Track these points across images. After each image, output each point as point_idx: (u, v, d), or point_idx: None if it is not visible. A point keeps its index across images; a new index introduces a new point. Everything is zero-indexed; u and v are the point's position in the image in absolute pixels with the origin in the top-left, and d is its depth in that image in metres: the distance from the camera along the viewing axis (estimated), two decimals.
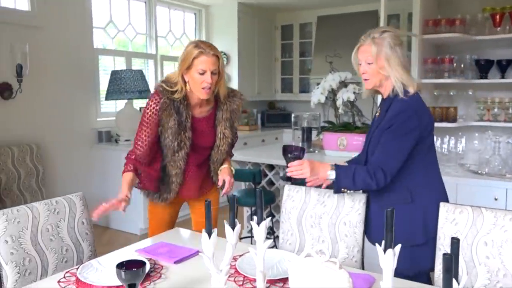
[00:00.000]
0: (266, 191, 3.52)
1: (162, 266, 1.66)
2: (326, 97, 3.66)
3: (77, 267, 1.64)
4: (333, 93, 3.63)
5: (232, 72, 5.90)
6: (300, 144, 3.79)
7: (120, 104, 4.64)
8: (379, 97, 2.04)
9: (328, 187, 1.95)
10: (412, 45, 3.56)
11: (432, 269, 1.77)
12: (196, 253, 1.77)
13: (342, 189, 1.80)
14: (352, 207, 1.93)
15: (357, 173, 1.76)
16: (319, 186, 1.97)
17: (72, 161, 4.28)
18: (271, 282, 1.52)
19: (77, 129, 4.33)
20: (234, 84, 5.87)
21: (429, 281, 1.82)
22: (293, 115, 3.93)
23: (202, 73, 1.94)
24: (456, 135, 3.25)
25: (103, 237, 4.18)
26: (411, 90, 1.79)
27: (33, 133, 3.91)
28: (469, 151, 3.36)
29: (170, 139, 2.03)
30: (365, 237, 1.96)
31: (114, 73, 4.31)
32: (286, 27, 6.55)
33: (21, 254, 1.69)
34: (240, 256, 1.73)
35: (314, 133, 3.84)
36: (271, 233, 3.54)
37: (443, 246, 1.71)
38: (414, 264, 1.77)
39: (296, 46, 6.50)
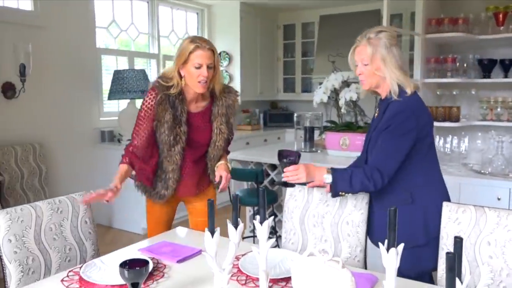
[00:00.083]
0: (269, 190, 3.52)
1: (165, 265, 1.67)
2: (329, 97, 3.66)
3: (80, 266, 1.65)
4: (335, 92, 3.63)
5: (235, 71, 5.90)
6: (302, 144, 3.80)
7: (123, 103, 4.65)
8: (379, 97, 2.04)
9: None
10: (415, 44, 3.55)
11: (435, 269, 1.77)
12: (199, 252, 1.78)
13: (340, 193, 1.77)
14: (355, 207, 1.93)
15: (354, 175, 1.74)
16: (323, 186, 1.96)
17: (75, 161, 4.29)
18: (274, 281, 1.52)
19: (80, 128, 4.34)
20: (237, 84, 5.87)
21: (432, 280, 1.82)
22: (295, 115, 3.93)
23: (199, 67, 1.98)
24: (459, 135, 3.24)
25: (106, 237, 4.19)
26: (408, 91, 1.76)
27: (36, 132, 3.92)
28: (472, 150, 3.35)
29: (167, 133, 2.05)
30: (367, 237, 1.95)
31: (116, 73, 4.32)
32: (288, 27, 6.55)
33: (24, 253, 1.70)
34: (243, 255, 1.73)
35: (316, 132, 3.84)
36: (274, 232, 3.54)
37: (446, 246, 1.70)
38: (416, 265, 1.76)
39: (298, 45, 6.50)
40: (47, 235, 1.79)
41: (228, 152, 2.34)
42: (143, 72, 4.42)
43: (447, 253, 0.93)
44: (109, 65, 4.72)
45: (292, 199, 2.08)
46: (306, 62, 6.52)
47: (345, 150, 3.39)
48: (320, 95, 3.66)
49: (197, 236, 2.06)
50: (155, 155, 2.13)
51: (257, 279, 1.49)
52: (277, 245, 3.35)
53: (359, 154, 2.13)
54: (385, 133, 1.75)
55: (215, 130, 2.16)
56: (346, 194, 1.81)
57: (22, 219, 1.73)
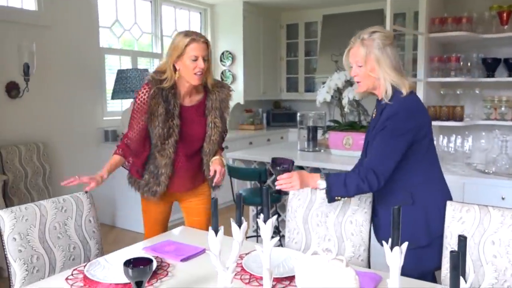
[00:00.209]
0: (272, 189, 3.51)
1: (169, 264, 1.67)
2: (332, 96, 3.66)
3: (84, 264, 1.65)
4: (338, 92, 3.63)
5: (238, 71, 5.90)
6: (305, 144, 3.80)
7: (126, 103, 4.65)
8: None
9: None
10: (419, 43, 3.54)
11: (438, 269, 1.76)
12: (203, 251, 1.78)
13: (336, 198, 1.74)
14: (359, 206, 1.93)
15: (348, 178, 1.71)
16: None
17: (79, 160, 4.30)
18: (278, 280, 1.52)
19: (83, 128, 4.35)
20: (240, 83, 5.88)
21: (434, 280, 1.81)
22: (298, 114, 3.93)
23: (195, 59, 2.03)
24: (462, 134, 3.24)
25: (109, 236, 4.20)
26: (404, 91, 1.74)
27: (40, 132, 3.94)
28: (476, 150, 3.34)
29: (161, 126, 2.08)
30: (374, 236, 1.95)
31: (120, 72, 4.33)
32: (291, 26, 6.54)
33: (29, 252, 1.70)
34: (246, 254, 1.74)
35: (319, 132, 3.83)
36: (277, 232, 3.54)
37: (450, 245, 1.70)
38: (419, 265, 1.75)
39: (301, 45, 6.49)
40: (51, 233, 1.80)
41: (222, 149, 2.36)
42: (146, 71, 4.42)
43: (451, 252, 0.93)
44: (113, 65, 4.73)
45: (296, 198, 2.08)
46: (309, 62, 6.51)
47: (348, 149, 3.39)
48: (323, 94, 3.66)
49: (200, 235, 2.07)
50: (146, 149, 2.18)
51: (261, 278, 1.49)
52: (280, 245, 3.35)
53: None
54: (381, 134, 1.74)
55: (210, 124, 2.19)
56: (343, 199, 1.78)
57: (26, 217, 1.74)
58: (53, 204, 1.85)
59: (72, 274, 1.58)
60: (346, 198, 1.83)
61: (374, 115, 1.91)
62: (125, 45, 4.93)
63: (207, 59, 2.07)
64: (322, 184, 1.73)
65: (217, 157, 2.24)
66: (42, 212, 1.80)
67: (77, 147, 4.28)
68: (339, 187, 1.71)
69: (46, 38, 3.93)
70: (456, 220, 1.70)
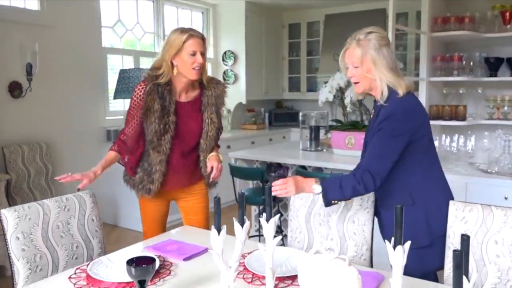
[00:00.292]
0: None
1: (171, 263, 1.67)
2: (334, 96, 3.65)
3: (87, 263, 1.66)
4: (341, 91, 3.63)
5: (240, 71, 5.90)
6: (307, 143, 3.80)
7: (128, 103, 4.65)
8: None
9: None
10: (421, 43, 3.54)
11: (440, 268, 1.76)
12: (205, 250, 1.78)
13: (333, 201, 1.72)
14: (361, 205, 1.93)
15: (343, 181, 1.70)
16: None
17: (81, 160, 4.30)
18: (280, 279, 1.52)
19: (86, 127, 4.36)
20: (242, 83, 5.88)
21: (436, 280, 1.81)
22: (300, 114, 3.93)
23: (193, 54, 2.08)
24: (465, 134, 3.23)
25: (111, 236, 4.21)
26: (401, 92, 1.73)
27: (42, 131, 3.95)
28: (478, 149, 3.34)
29: (157, 122, 2.10)
30: (376, 235, 1.94)
31: (122, 72, 4.34)
32: (293, 26, 6.54)
33: (32, 251, 1.71)
34: (249, 253, 1.74)
35: (322, 132, 3.83)
36: (279, 231, 3.54)
37: (452, 245, 1.70)
38: (421, 265, 1.75)
39: (303, 44, 6.49)
40: (54, 232, 1.81)
41: (218, 146, 2.37)
42: None
43: (454, 251, 0.93)
44: (115, 65, 4.74)
45: (298, 197, 2.08)
46: (311, 61, 6.51)
47: (350, 149, 3.39)
48: (325, 94, 3.65)
49: (201, 234, 2.07)
50: (140, 146, 2.20)
51: (263, 277, 1.49)
52: (282, 244, 3.35)
53: None
54: (377, 136, 1.73)
55: (207, 120, 2.21)
56: (340, 202, 1.75)
57: (29, 216, 1.74)
58: (56, 203, 1.85)
59: (75, 273, 1.59)
60: (343, 202, 1.82)
61: (372, 115, 1.91)
62: (127, 45, 4.94)
63: (203, 55, 2.12)
64: (317, 188, 1.72)
65: (213, 153, 2.25)
66: (45, 211, 1.80)
67: (79, 147, 4.29)
68: (334, 190, 1.70)
69: (48, 38, 3.94)
70: (459, 220, 1.69)
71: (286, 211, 3.56)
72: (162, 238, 1.98)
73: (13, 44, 3.65)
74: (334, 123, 3.72)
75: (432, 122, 3.34)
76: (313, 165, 3.28)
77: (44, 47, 3.82)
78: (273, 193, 1.74)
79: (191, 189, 2.31)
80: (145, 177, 2.19)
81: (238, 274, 1.51)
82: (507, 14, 3.35)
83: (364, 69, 1.76)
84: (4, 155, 3.56)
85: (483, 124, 3.44)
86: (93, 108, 4.45)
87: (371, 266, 1.90)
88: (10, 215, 1.69)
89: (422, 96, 3.48)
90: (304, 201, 2.06)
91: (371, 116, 1.91)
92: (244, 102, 5.93)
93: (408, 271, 1.39)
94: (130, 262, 1.30)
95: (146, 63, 5.11)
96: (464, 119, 3.30)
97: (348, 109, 3.64)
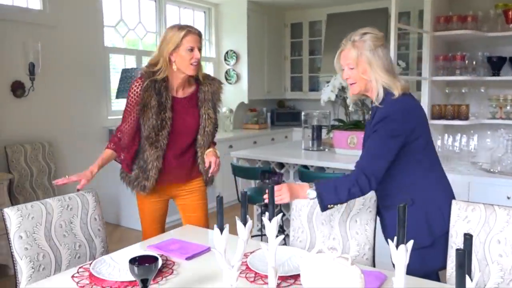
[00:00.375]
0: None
1: (174, 262, 1.68)
2: (336, 95, 3.65)
3: (90, 262, 1.66)
4: (343, 91, 3.62)
5: (242, 70, 5.90)
6: (310, 143, 3.80)
7: None
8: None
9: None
10: (423, 42, 3.53)
11: (442, 268, 1.76)
12: (208, 249, 1.78)
13: (329, 206, 1.70)
14: (363, 205, 1.93)
15: (339, 185, 1.68)
16: None
17: (84, 159, 4.29)
18: (282, 279, 1.52)
19: (88, 127, 4.37)
20: (244, 83, 5.88)
21: (438, 280, 1.80)
22: (303, 114, 3.92)
23: (191, 50, 2.11)
24: (468, 133, 3.22)
25: (113, 235, 4.22)
26: (396, 93, 1.71)
27: (45, 131, 3.96)
28: (481, 149, 3.33)
29: (154, 117, 2.12)
30: (379, 235, 1.94)
31: (124, 72, 4.35)
32: (295, 25, 6.54)
33: (35, 250, 1.71)
34: (251, 253, 1.74)
35: (324, 131, 3.83)
36: (281, 231, 3.54)
37: (455, 244, 1.70)
38: (423, 265, 1.74)
39: (305, 44, 6.48)
40: (57, 232, 1.81)
41: (215, 143, 2.38)
42: None
43: (457, 250, 0.93)
44: (117, 64, 4.74)
45: None
46: (313, 61, 6.50)
47: (353, 148, 3.39)
48: (327, 93, 3.65)
49: (203, 233, 2.07)
50: (136, 143, 2.21)
51: (266, 276, 1.49)
52: (284, 244, 3.35)
53: None
54: (372, 137, 1.73)
55: (204, 116, 2.23)
56: (336, 206, 1.73)
57: (32, 215, 1.75)
58: (59, 202, 1.86)
59: (78, 272, 1.59)
60: (340, 205, 1.79)
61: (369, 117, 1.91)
62: (130, 45, 4.95)
63: (200, 50, 2.16)
64: (312, 193, 1.70)
65: (211, 149, 2.27)
66: (48, 210, 1.81)
67: (82, 146, 4.30)
68: (329, 195, 1.68)
69: (51, 37, 3.95)
70: (462, 219, 1.69)
71: (289, 210, 3.56)
72: (164, 238, 1.98)
73: (16, 43, 3.66)
74: (336, 123, 3.72)
75: (434, 122, 3.37)
76: (315, 164, 3.28)
77: (46, 47, 3.83)
78: (267, 200, 1.73)
79: (188, 186, 2.31)
80: (140, 174, 2.20)
81: (240, 273, 1.51)
82: (510, 13, 3.33)
83: (360, 70, 1.75)
84: (6, 155, 3.57)
85: (486, 123, 3.43)
86: (96, 108, 4.46)
87: (374, 265, 1.90)
88: (13, 214, 1.70)
89: (425, 96, 3.48)
90: (306, 200, 2.05)
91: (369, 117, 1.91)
92: (246, 101, 5.93)
93: (410, 271, 1.39)
94: (133, 261, 1.30)
95: None
96: (466, 118, 3.29)
97: (350, 108, 3.64)
